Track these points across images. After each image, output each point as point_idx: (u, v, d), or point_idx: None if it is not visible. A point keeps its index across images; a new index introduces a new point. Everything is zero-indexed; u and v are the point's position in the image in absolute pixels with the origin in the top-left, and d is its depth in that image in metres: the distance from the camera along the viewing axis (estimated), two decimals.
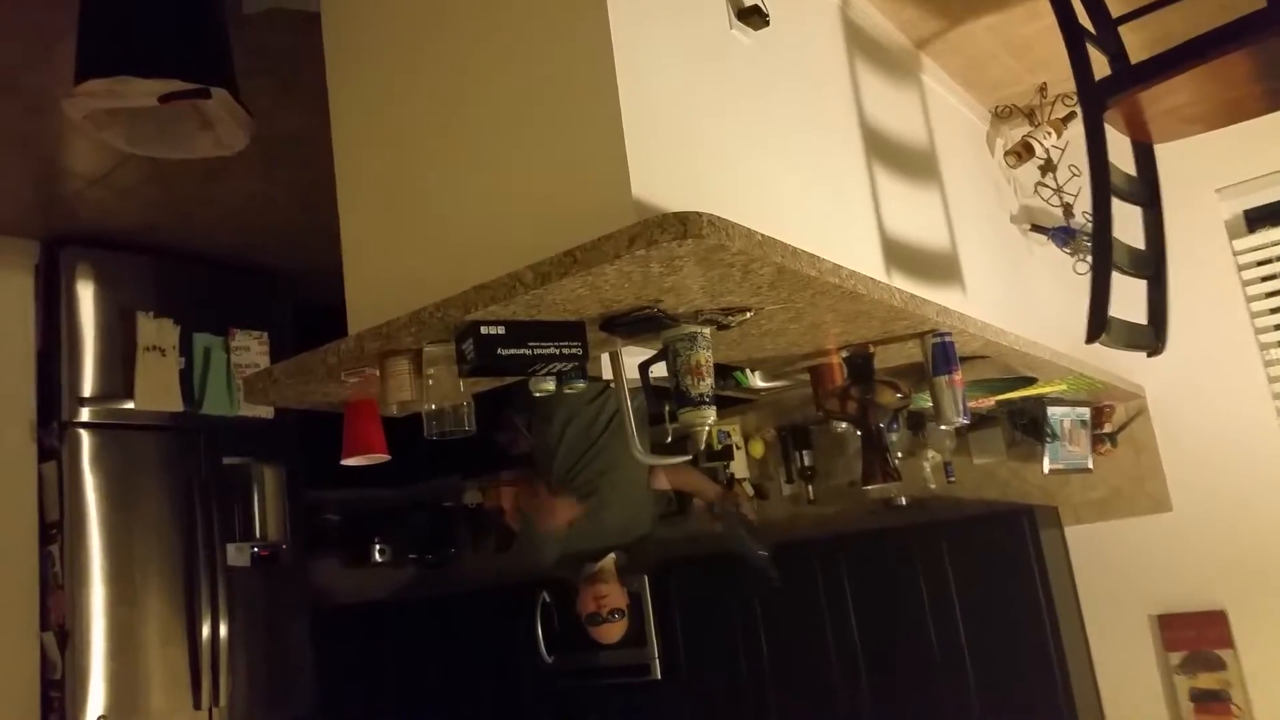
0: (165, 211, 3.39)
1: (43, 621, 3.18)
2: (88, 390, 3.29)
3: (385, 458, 1.85)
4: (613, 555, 2.76)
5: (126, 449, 3.32)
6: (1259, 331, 3.23)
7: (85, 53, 2.03)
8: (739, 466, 4.00)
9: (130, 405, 3.33)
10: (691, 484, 3.13)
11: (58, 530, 3.17)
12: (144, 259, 3.55)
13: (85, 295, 3.37)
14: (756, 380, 2.51)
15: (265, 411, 3.59)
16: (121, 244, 3.52)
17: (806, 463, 3.86)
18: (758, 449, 4.00)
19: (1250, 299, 3.25)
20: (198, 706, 3.28)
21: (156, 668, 3.22)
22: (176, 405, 3.42)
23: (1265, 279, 3.25)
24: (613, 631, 2.75)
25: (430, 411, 1.70)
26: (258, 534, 3.54)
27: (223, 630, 3.38)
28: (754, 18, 1.92)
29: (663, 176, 1.57)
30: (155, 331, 3.43)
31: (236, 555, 3.44)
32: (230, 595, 3.43)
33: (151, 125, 2.18)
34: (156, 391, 3.39)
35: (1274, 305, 3.23)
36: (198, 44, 2.06)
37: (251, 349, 3.66)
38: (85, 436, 3.25)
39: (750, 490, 4.00)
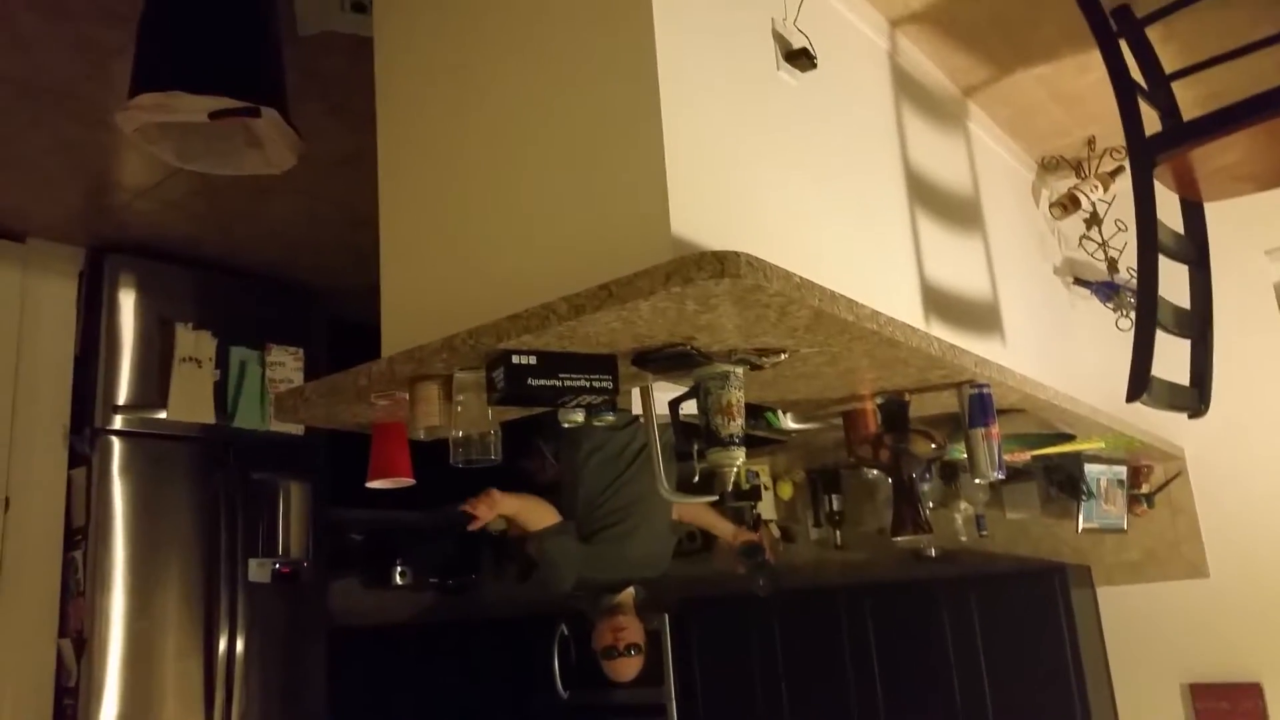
0: (210, 225, 3.44)
1: (61, 628, 3.19)
2: (122, 398, 3.32)
3: (410, 482, 1.85)
4: (631, 589, 2.72)
5: (156, 458, 3.35)
6: None
7: (140, 68, 2.07)
8: (766, 507, 3.96)
9: (163, 415, 3.36)
10: (706, 520, 3.08)
11: (82, 536, 3.19)
12: (186, 271, 3.60)
13: (126, 303, 3.42)
14: (788, 421, 2.48)
15: (295, 428, 3.61)
16: (165, 255, 3.57)
17: (835, 507, 3.81)
18: (786, 491, 3.96)
19: None
20: None
21: (171, 680, 3.22)
22: (209, 417, 3.44)
23: None
24: (628, 668, 2.70)
25: (458, 439, 1.69)
26: (280, 550, 3.54)
27: (239, 645, 3.37)
28: (802, 60, 1.92)
29: (703, 214, 1.56)
30: (193, 343, 3.47)
31: (258, 571, 3.44)
32: (249, 611, 3.42)
33: (201, 141, 2.22)
34: (190, 402, 3.42)
35: None
36: (250, 63, 2.10)
37: (287, 364, 3.69)
38: (117, 443, 3.28)
39: (777, 532, 3.95)
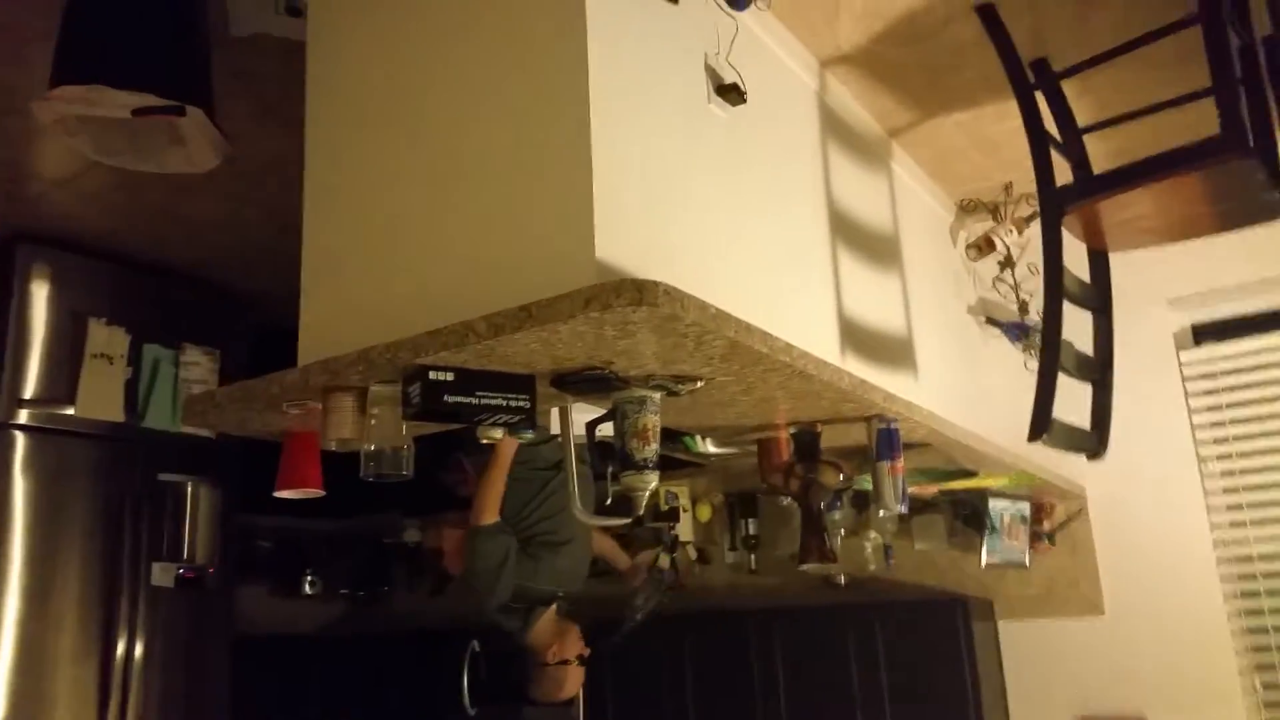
0: (130, 220, 3.35)
1: None
2: (29, 392, 3.22)
3: (320, 493, 1.82)
4: (555, 604, 2.71)
5: (62, 456, 3.25)
6: (1199, 443, 3.30)
7: (62, 58, 2.02)
8: (685, 529, 3.99)
9: (71, 411, 3.26)
10: (605, 547, 3.09)
11: None
12: (102, 264, 3.50)
13: (38, 295, 3.31)
14: (707, 446, 2.52)
15: (207, 430, 3.52)
16: (81, 248, 3.47)
17: (751, 531, 3.86)
18: (705, 513, 4.00)
19: (1193, 410, 3.33)
20: None
21: (64, 685, 3.11)
22: (118, 415, 3.35)
23: (1208, 392, 3.33)
24: (578, 678, 2.71)
25: (369, 452, 1.68)
26: (185, 555, 3.45)
27: (138, 651, 3.27)
28: (732, 94, 1.96)
29: (627, 241, 1.59)
30: (106, 339, 3.37)
31: (161, 575, 3.34)
32: (150, 615, 3.33)
33: (122, 136, 2.17)
34: (100, 399, 3.32)
35: (1214, 419, 3.31)
36: (177, 60, 2.07)
37: (202, 365, 3.61)
38: (20, 439, 3.17)
39: (694, 554, 3.98)
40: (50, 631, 3.10)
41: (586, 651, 2.73)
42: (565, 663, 2.67)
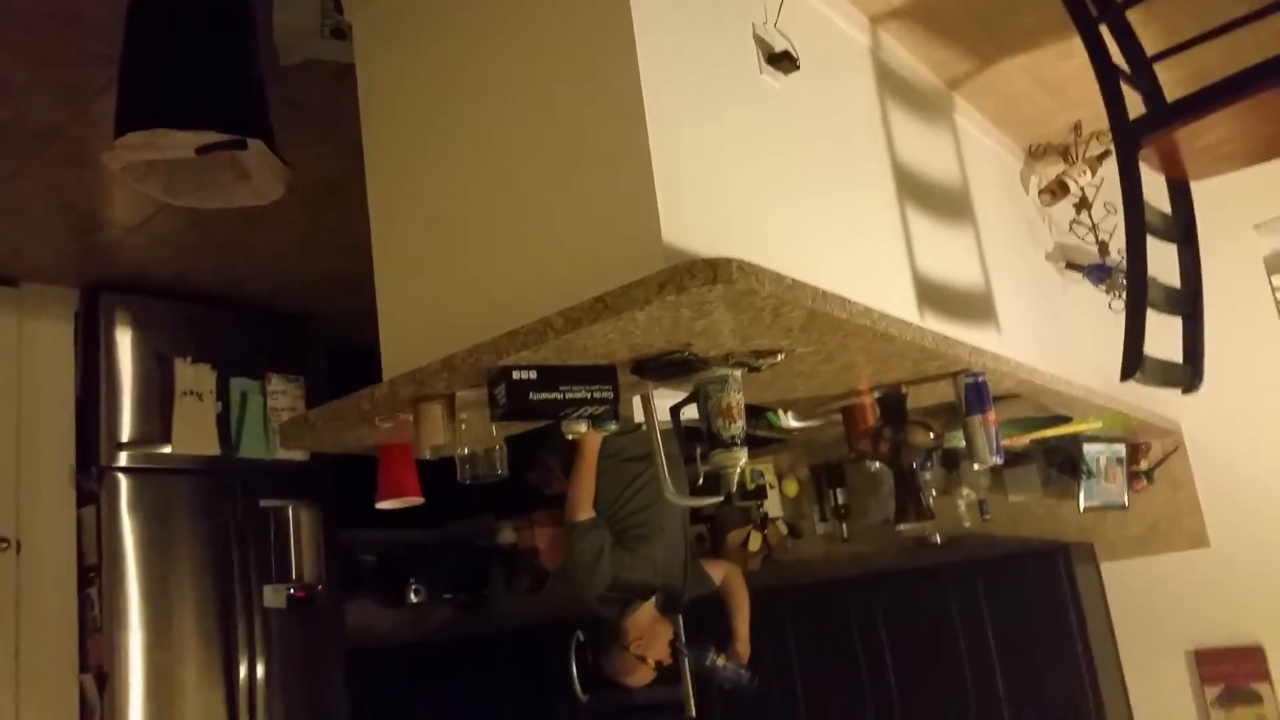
0: (202, 258, 3.45)
1: (82, 664, 3.20)
2: (126, 435, 3.34)
3: (419, 501, 1.87)
4: (654, 599, 2.72)
5: (164, 492, 3.36)
6: None
7: (124, 106, 2.08)
8: (773, 505, 3.98)
9: (168, 449, 3.38)
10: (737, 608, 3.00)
11: (96, 573, 3.20)
12: (181, 305, 3.61)
13: (123, 341, 3.43)
14: (789, 420, 2.50)
15: (301, 454, 3.62)
16: (159, 290, 3.58)
17: (840, 501, 3.84)
18: (792, 488, 3.98)
19: None
20: None
21: (193, 711, 3.23)
22: (213, 449, 3.46)
23: None
24: (643, 676, 2.71)
25: (463, 456, 1.71)
26: (294, 575, 3.55)
27: (259, 672, 3.38)
28: (784, 62, 1.94)
29: (693, 222, 1.58)
30: (193, 376, 3.48)
31: (272, 597, 3.45)
32: (266, 637, 3.43)
33: (189, 176, 2.23)
34: (194, 435, 3.43)
35: None
36: (234, 96, 2.11)
37: (288, 393, 3.70)
38: (123, 480, 3.29)
39: (785, 529, 3.97)
40: (175, 661, 3.23)
41: (667, 660, 2.72)
42: (642, 659, 2.68)
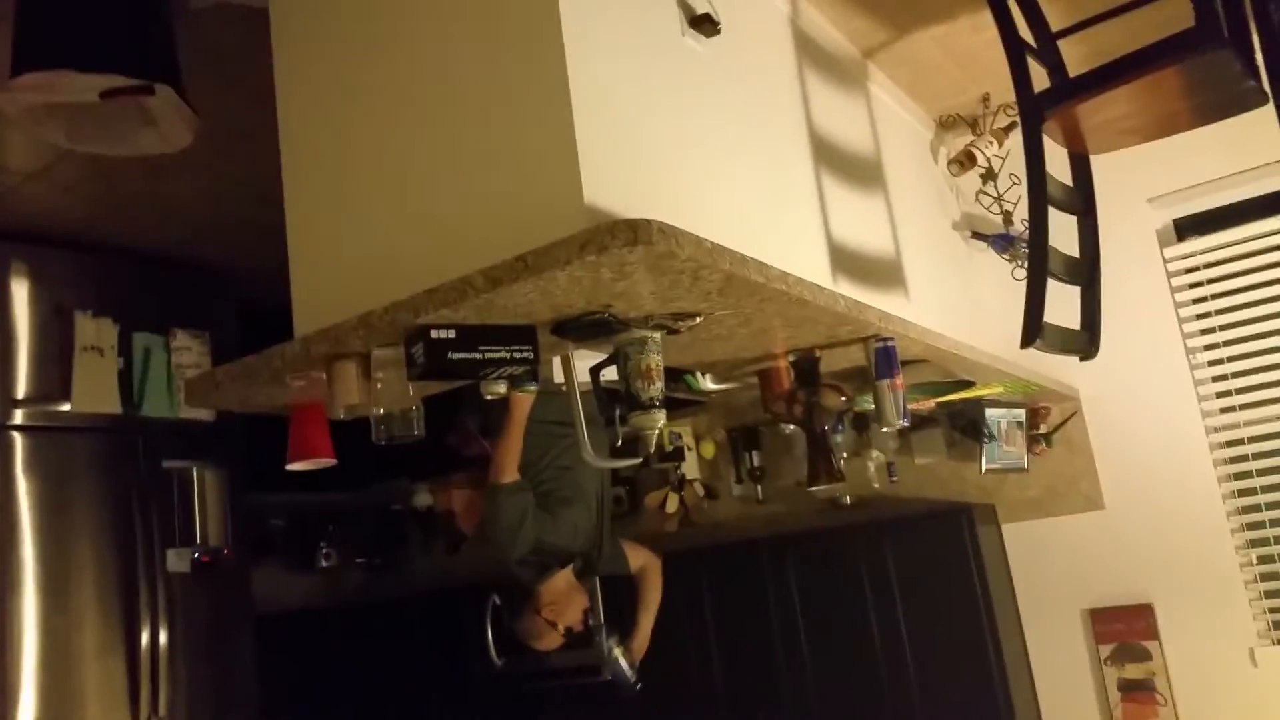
0: (107, 208, 3.31)
1: None
2: (21, 392, 3.20)
3: (332, 462, 1.84)
4: (572, 565, 2.71)
5: (62, 453, 3.23)
6: (1186, 336, 3.35)
7: (22, 45, 1.98)
8: (690, 467, 4.03)
9: (67, 407, 3.24)
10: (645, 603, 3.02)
11: None
12: (82, 256, 3.46)
13: (20, 293, 3.27)
14: (707, 383, 2.53)
15: (206, 413, 3.53)
16: (59, 240, 3.43)
17: (756, 463, 3.90)
18: (709, 450, 4.04)
19: (1179, 305, 3.37)
20: (136, 718, 3.20)
21: (92, 679, 3.13)
22: (115, 407, 3.34)
23: (1193, 285, 3.37)
24: (551, 641, 2.70)
25: (379, 416, 1.69)
26: (199, 539, 3.46)
27: (162, 639, 3.29)
28: (705, 25, 1.95)
29: (614, 182, 1.59)
30: (94, 331, 3.35)
31: (176, 561, 3.36)
32: (170, 603, 3.34)
33: (92, 121, 2.14)
34: (94, 393, 3.31)
35: (1200, 310, 3.35)
36: (142, 39, 2.03)
37: (193, 349, 3.59)
38: (19, 439, 3.16)
39: (702, 490, 4.03)
40: (73, 628, 3.12)
41: (579, 628, 2.70)
42: (553, 624, 2.66)
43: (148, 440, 3.43)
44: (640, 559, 3.01)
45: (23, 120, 2.05)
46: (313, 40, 1.95)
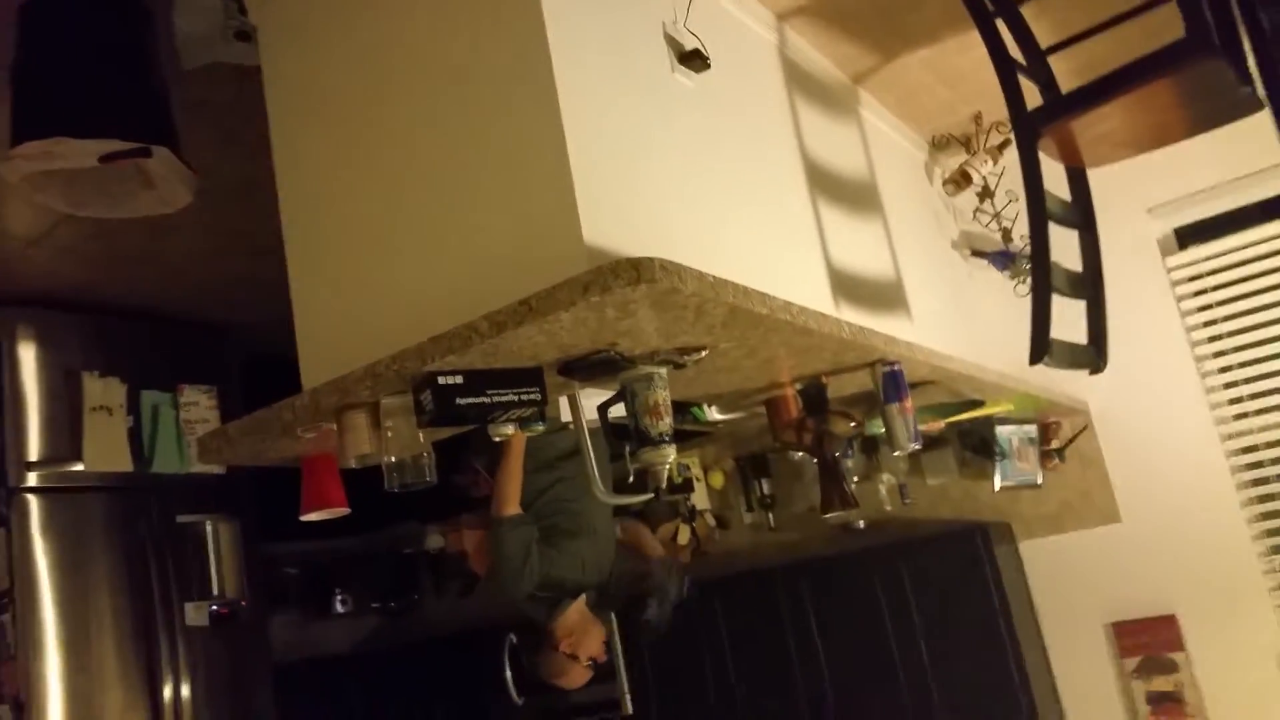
0: (108, 269, 3.33)
1: None
2: (34, 454, 3.20)
3: (345, 511, 1.84)
4: (584, 596, 2.72)
5: (77, 512, 3.24)
6: (1194, 344, 3.34)
7: (20, 115, 2.01)
8: (700, 498, 4.02)
9: (79, 467, 3.25)
10: (642, 541, 3.08)
11: (9, 599, 3.07)
12: (87, 317, 3.48)
13: (27, 357, 3.29)
14: (713, 414, 2.53)
15: (217, 467, 3.53)
16: (64, 303, 3.45)
17: (766, 491, 3.89)
18: (717, 480, 4.02)
19: (1184, 313, 3.36)
20: None
21: None
22: (126, 465, 3.34)
23: (1197, 293, 3.36)
24: (580, 676, 2.70)
25: (390, 464, 1.69)
26: (215, 592, 3.46)
27: (184, 692, 3.29)
28: (695, 61, 1.96)
29: (613, 221, 1.59)
30: (102, 391, 3.36)
31: (195, 615, 3.36)
32: (190, 656, 3.34)
33: (91, 185, 2.15)
34: (105, 452, 3.31)
35: (1207, 318, 3.34)
36: (136, 102, 2.05)
37: (200, 404, 3.60)
38: (34, 501, 3.16)
39: (712, 521, 4.01)
40: (95, 686, 3.11)
41: (602, 658, 2.71)
42: (575, 658, 2.66)
43: (160, 496, 3.44)
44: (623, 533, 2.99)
45: (24, 187, 2.07)
46: (306, 94, 1.97)
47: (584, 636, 2.68)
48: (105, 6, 2.04)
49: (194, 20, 2.18)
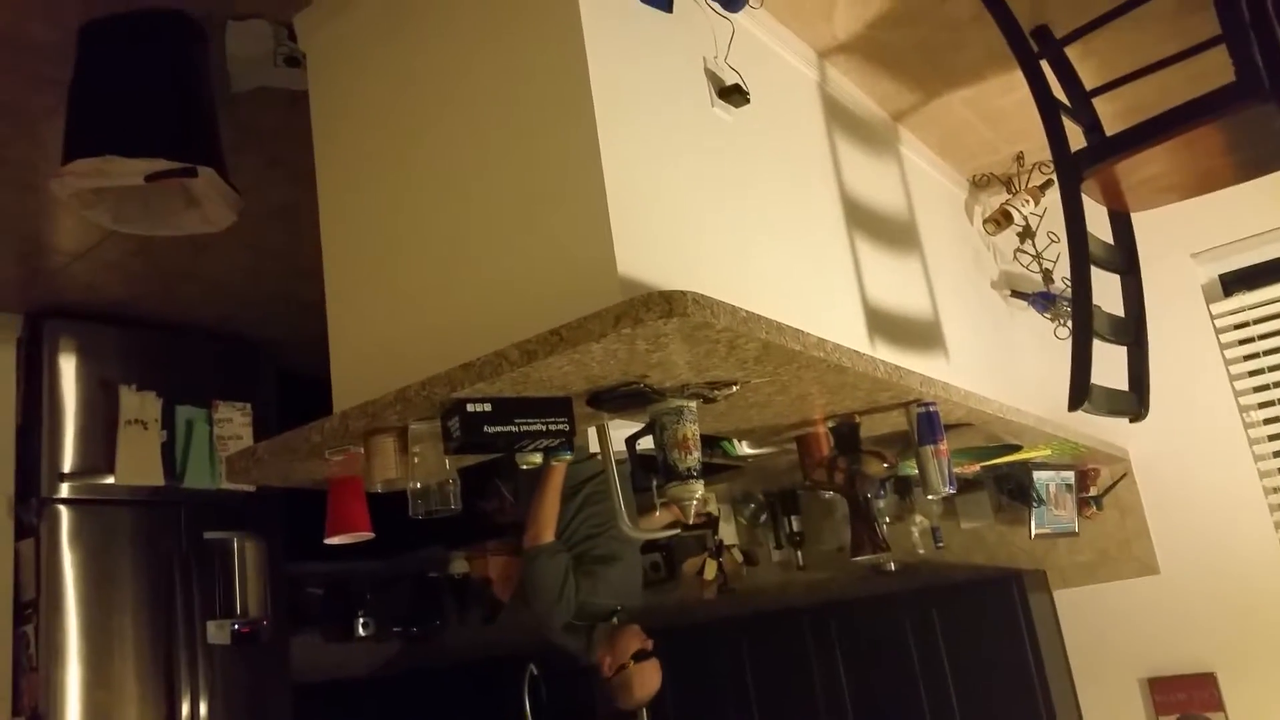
0: (150, 284, 3.39)
1: (14, 705, 3.09)
2: (68, 465, 3.25)
3: (370, 536, 1.83)
4: (615, 617, 2.67)
5: (106, 524, 3.27)
6: (1238, 394, 3.26)
7: (73, 132, 2.05)
8: (728, 533, 3.98)
9: (111, 480, 3.29)
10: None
11: (33, 610, 3.10)
12: (127, 331, 3.53)
13: (67, 368, 3.34)
14: (743, 448, 2.51)
15: (247, 485, 3.55)
16: (105, 316, 3.51)
17: (795, 528, 3.84)
18: (747, 515, 3.98)
19: (1229, 361, 3.28)
20: None
21: None
22: (158, 479, 3.37)
23: (1242, 341, 3.29)
24: (651, 675, 2.58)
25: (416, 490, 1.69)
26: (239, 610, 3.47)
27: (203, 710, 3.29)
28: (735, 96, 1.96)
29: (648, 254, 1.59)
30: (138, 404, 3.40)
31: (216, 633, 3.37)
32: (211, 674, 3.34)
33: (138, 203, 2.20)
34: (138, 465, 3.35)
35: (1252, 368, 3.26)
36: (185, 123, 2.09)
37: (234, 420, 3.63)
38: (64, 512, 3.20)
39: (740, 557, 3.97)
40: (114, 700, 3.12)
41: (648, 645, 2.61)
42: (623, 667, 2.58)
43: (189, 512, 3.46)
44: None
45: (73, 203, 2.11)
46: (351, 121, 1.99)
47: (614, 647, 2.60)
48: (161, 30, 2.09)
49: (245, 45, 2.22)
